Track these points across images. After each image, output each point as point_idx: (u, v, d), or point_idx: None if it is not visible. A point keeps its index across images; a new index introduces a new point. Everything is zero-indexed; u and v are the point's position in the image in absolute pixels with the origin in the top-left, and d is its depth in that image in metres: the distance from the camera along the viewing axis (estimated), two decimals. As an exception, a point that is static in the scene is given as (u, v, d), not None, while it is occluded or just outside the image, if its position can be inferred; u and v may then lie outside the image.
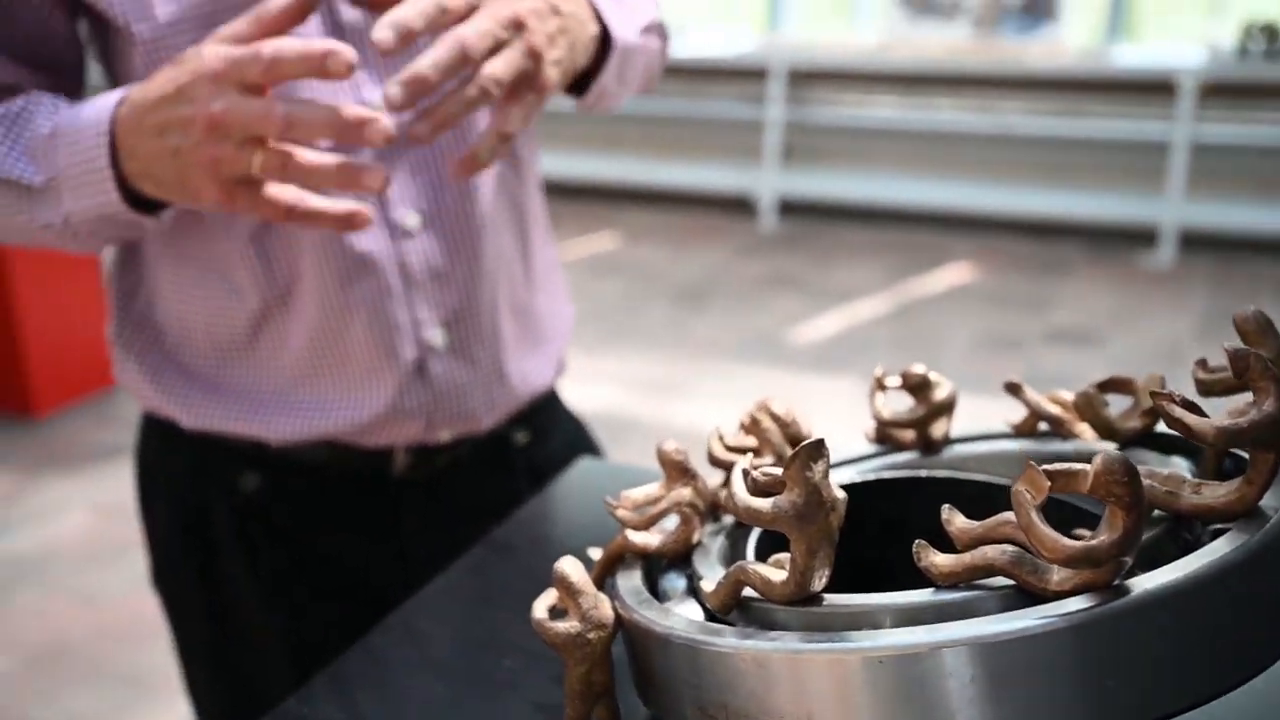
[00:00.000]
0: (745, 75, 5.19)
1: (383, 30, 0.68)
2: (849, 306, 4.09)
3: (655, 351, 3.73)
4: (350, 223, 0.74)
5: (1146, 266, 4.46)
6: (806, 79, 5.12)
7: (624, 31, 0.87)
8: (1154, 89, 4.57)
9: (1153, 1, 5.33)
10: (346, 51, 0.67)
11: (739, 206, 5.25)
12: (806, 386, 3.42)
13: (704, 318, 4.03)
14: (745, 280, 4.40)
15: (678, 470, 0.58)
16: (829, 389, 3.39)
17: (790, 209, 5.18)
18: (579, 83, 0.88)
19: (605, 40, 0.86)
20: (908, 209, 5.00)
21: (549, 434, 1.02)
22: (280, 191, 0.72)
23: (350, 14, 0.82)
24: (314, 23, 0.81)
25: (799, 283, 4.36)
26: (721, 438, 0.63)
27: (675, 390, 3.44)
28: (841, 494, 0.48)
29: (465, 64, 0.70)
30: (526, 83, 0.74)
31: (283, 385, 0.88)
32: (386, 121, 0.69)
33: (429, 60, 0.69)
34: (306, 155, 0.71)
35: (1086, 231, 4.76)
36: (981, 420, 0.69)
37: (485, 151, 0.74)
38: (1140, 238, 4.61)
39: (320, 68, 0.67)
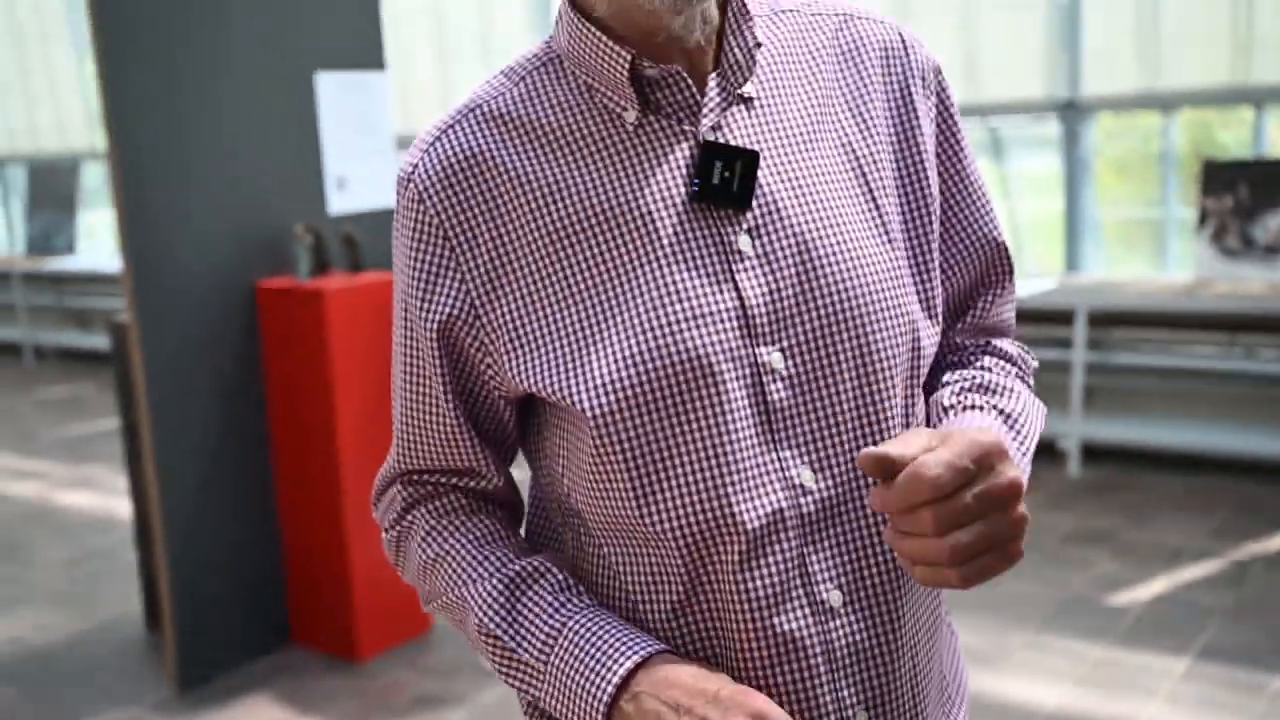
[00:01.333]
0: (1046, 318, 5.08)
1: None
2: (1174, 569, 3.79)
3: (962, 614, 3.56)
4: None
5: None
6: (1110, 321, 4.96)
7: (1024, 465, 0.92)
8: None
9: None
10: None
11: (1040, 453, 5.04)
12: (1131, 661, 3.16)
13: (1012, 576, 3.83)
14: (1055, 534, 4.17)
15: None
16: (1158, 665, 3.11)
17: (1095, 455, 4.94)
18: None
19: None
20: (1231, 458, 4.66)
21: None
22: None
23: (779, 393, 0.84)
24: (743, 393, 0.83)
25: (1114, 539, 4.09)
26: None
27: (986, 659, 3.25)
28: None
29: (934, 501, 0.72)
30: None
31: None
32: None
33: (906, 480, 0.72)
34: None
35: None
36: None
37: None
38: None
39: None
